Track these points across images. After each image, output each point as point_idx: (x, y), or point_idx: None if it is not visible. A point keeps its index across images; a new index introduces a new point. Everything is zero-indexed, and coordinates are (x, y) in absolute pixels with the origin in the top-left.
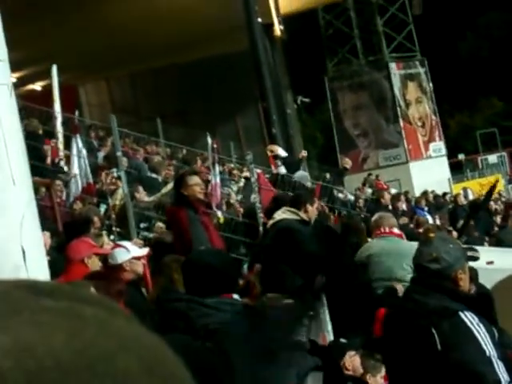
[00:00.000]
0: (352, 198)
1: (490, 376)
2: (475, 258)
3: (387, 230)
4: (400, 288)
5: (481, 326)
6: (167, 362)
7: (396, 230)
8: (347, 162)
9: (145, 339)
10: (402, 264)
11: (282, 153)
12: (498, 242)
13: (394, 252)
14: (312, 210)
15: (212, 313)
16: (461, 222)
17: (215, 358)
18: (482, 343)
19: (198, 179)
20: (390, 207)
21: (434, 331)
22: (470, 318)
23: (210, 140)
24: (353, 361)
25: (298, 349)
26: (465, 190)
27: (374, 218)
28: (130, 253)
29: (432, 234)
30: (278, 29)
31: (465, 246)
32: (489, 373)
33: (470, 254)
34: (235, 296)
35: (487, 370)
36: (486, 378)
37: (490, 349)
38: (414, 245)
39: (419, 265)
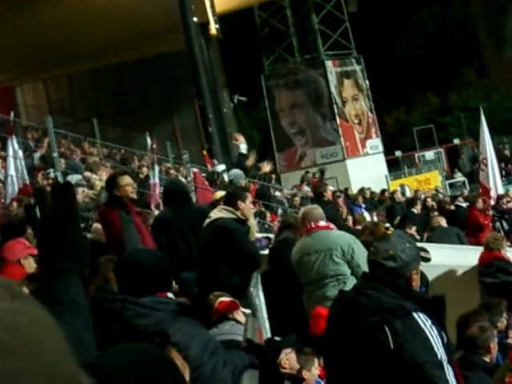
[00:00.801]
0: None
1: (440, 380)
2: (427, 259)
3: (313, 225)
4: None
5: (433, 328)
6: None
7: (322, 223)
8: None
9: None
10: (332, 258)
11: (243, 147)
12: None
13: (322, 248)
14: (245, 207)
15: (147, 312)
16: (397, 219)
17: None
18: (435, 346)
19: (130, 179)
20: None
21: (386, 329)
22: (423, 319)
23: (149, 140)
24: (289, 358)
25: (233, 347)
26: (402, 186)
27: (299, 215)
28: None
29: (390, 231)
30: (213, 28)
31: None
32: (439, 377)
33: (422, 254)
34: (170, 295)
35: (438, 374)
36: (436, 381)
37: (441, 352)
38: (342, 234)
39: (374, 261)
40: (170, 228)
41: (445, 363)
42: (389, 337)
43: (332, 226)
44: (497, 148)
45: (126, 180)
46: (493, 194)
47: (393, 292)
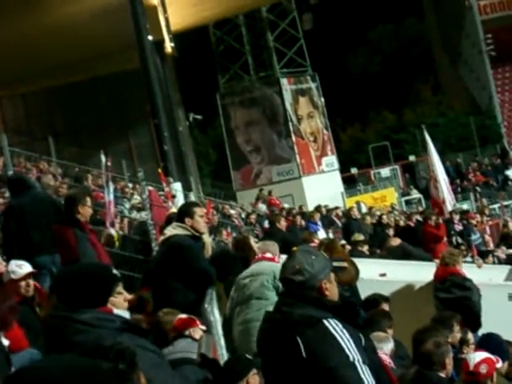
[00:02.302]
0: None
1: (353, 380)
2: (342, 268)
3: (260, 255)
4: None
5: (344, 331)
6: None
7: (268, 255)
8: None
9: None
10: (262, 282)
11: None
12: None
13: (256, 273)
14: (193, 222)
15: (86, 329)
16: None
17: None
18: (346, 348)
19: (90, 200)
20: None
21: (298, 340)
22: (333, 325)
23: (103, 158)
24: (254, 378)
25: (186, 362)
26: (358, 203)
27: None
28: (23, 270)
29: (295, 248)
30: (169, 46)
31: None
32: (352, 377)
33: (336, 264)
34: (117, 311)
35: (351, 375)
36: (349, 382)
37: (353, 353)
38: (275, 264)
39: (285, 278)
40: (22, 215)
41: (358, 363)
42: (301, 347)
43: (278, 259)
44: (454, 164)
45: (89, 201)
46: (447, 206)
47: (303, 304)
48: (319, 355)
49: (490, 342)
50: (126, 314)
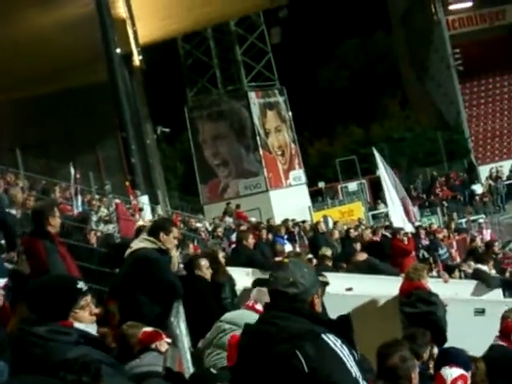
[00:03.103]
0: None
1: None
2: (326, 283)
3: (251, 303)
4: None
5: (344, 347)
6: None
7: (258, 307)
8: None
9: None
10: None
11: None
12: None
13: (239, 323)
14: (166, 239)
15: (40, 342)
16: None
17: None
18: (348, 364)
19: (58, 211)
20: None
21: (299, 354)
22: (333, 340)
23: (72, 170)
24: None
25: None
26: (325, 217)
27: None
28: None
29: (286, 260)
30: (137, 59)
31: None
32: None
33: (320, 278)
34: (79, 325)
35: None
36: None
37: (355, 370)
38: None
39: (276, 290)
40: None
41: (360, 380)
42: (302, 361)
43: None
44: (422, 179)
45: (57, 213)
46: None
47: (299, 317)
48: (321, 370)
49: (449, 357)
50: (92, 328)
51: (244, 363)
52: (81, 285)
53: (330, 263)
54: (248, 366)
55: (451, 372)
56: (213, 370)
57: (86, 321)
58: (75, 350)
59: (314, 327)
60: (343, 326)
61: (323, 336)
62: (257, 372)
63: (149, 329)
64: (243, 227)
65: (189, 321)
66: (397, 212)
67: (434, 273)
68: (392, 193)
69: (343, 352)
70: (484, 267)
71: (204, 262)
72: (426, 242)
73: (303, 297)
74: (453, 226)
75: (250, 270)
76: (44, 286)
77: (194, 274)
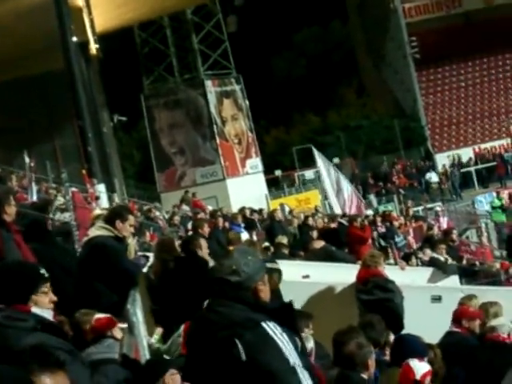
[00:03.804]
0: None
1: None
2: (278, 270)
3: None
4: None
5: (284, 335)
6: None
7: None
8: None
9: None
10: None
11: None
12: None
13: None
14: (122, 227)
15: None
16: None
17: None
18: (286, 352)
19: (13, 199)
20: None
21: (237, 342)
22: (272, 328)
23: (27, 159)
24: (174, 378)
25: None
26: (282, 205)
27: None
28: None
29: (232, 248)
30: (93, 47)
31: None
32: (292, 381)
33: (269, 265)
34: (36, 310)
35: (291, 379)
36: None
37: (293, 357)
38: None
39: (219, 278)
40: None
41: (298, 368)
42: (240, 349)
43: None
44: (381, 167)
45: (13, 201)
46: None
47: (241, 305)
48: (259, 359)
49: (404, 345)
50: (48, 314)
51: (190, 350)
52: (43, 271)
53: (286, 251)
54: (194, 353)
55: (420, 366)
56: (166, 357)
57: (44, 306)
58: (32, 337)
59: (255, 315)
60: (285, 314)
61: (263, 324)
62: (201, 359)
63: (101, 315)
64: (200, 215)
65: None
66: (335, 202)
67: (391, 260)
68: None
69: (282, 340)
70: (437, 255)
71: (203, 243)
72: (382, 229)
73: (246, 284)
74: (410, 213)
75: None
76: (7, 269)
77: (193, 253)
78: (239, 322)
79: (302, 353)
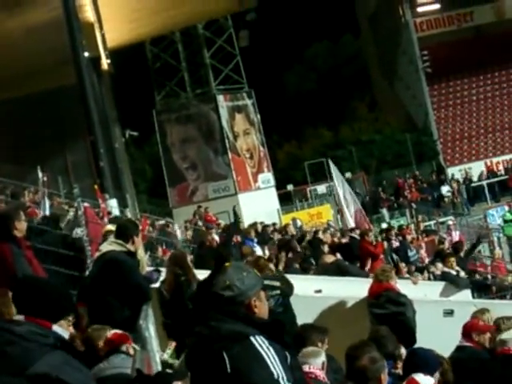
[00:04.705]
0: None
1: None
2: (273, 287)
3: None
4: None
5: (270, 349)
6: None
7: None
8: None
9: None
10: None
11: None
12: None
13: None
14: (137, 241)
15: (16, 340)
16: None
17: None
18: (271, 366)
19: (23, 215)
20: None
21: (225, 355)
22: (259, 342)
23: (40, 174)
24: None
25: (121, 378)
26: (294, 220)
27: None
28: None
29: (227, 264)
30: (105, 62)
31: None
32: None
33: (267, 282)
34: (55, 327)
35: None
36: None
37: (278, 371)
38: None
39: (214, 293)
40: None
41: (282, 381)
42: (226, 362)
43: None
44: (390, 181)
45: (23, 216)
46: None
47: (232, 320)
48: (243, 371)
49: (416, 358)
50: (66, 334)
51: (189, 364)
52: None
53: (297, 266)
54: (191, 367)
55: (425, 380)
56: (168, 371)
57: (65, 328)
58: (51, 355)
59: (245, 329)
60: (275, 329)
61: (251, 338)
62: (196, 372)
63: (117, 331)
64: (213, 230)
65: None
66: (350, 215)
67: (406, 275)
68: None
69: (268, 353)
70: (448, 269)
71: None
72: (396, 243)
73: (239, 299)
74: (421, 227)
75: None
76: (53, 285)
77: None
78: (228, 336)
79: (293, 368)
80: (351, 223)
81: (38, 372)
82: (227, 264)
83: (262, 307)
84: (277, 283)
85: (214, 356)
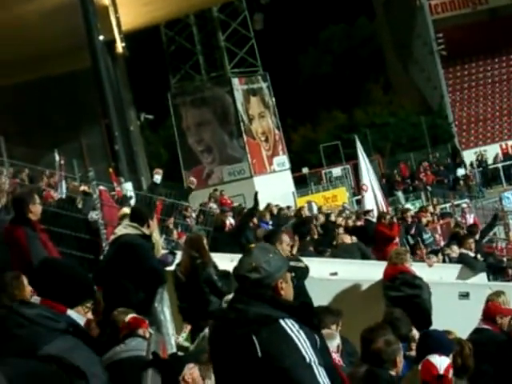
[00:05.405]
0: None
1: (308, 381)
2: (300, 268)
3: None
4: None
5: (301, 332)
6: None
7: None
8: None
9: None
10: None
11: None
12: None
13: None
14: (153, 224)
15: (25, 323)
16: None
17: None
18: (302, 349)
19: (38, 199)
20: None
21: (254, 339)
22: (290, 325)
23: (57, 157)
24: (192, 373)
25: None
26: (309, 203)
27: None
28: None
29: (252, 245)
30: (120, 46)
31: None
32: (308, 378)
33: (293, 263)
34: (69, 312)
35: (306, 376)
36: (304, 383)
37: (310, 355)
38: None
39: (240, 275)
40: None
41: (314, 365)
42: (256, 346)
43: None
44: (404, 164)
45: (37, 200)
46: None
47: (259, 302)
48: (275, 355)
49: (430, 340)
50: (81, 320)
51: (212, 347)
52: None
53: (312, 248)
54: (214, 350)
55: (441, 360)
56: (179, 353)
57: (81, 314)
58: (61, 339)
59: (274, 312)
60: (304, 312)
61: (280, 321)
62: (221, 356)
63: (135, 315)
64: (228, 213)
65: None
66: (371, 198)
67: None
68: (370, 179)
69: (299, 337)
70: (467, 251)
71: (285, 238)
72: (413, 230)
73: (266, 282)
74: (437, 210)
75: (234, 255)
76: (72, 267)
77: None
78: (256, 319)
79: (322, 351)
80: (381, 202)
81: (50, 353)
82: (252, 245)
83: (288, 289)
84: (302, 264)
85: (243, 340)
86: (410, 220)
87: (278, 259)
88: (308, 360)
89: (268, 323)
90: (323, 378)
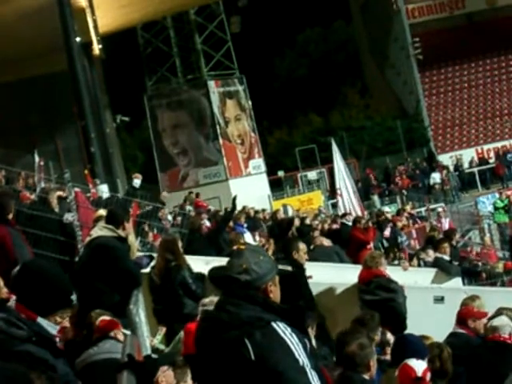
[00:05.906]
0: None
1: None
2: (286, 272)
3: None
4: None
5: (293, 335)
6: None
7: None
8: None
9: None
10: None
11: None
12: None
13: None
14: (129, 227)
15: None
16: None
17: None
18: (296, 353)
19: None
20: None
21: (246, 341)
22: (282, 328)
23: (37, 158)
24: (166, 375)
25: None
26: (284, 206)
27: None
28: None
29: (243, 246)
30: (96, 48)
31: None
32: (302, 381)
33: (281, 267)
34: (39, 319)
35: (300, 379)
36: None
37: (303, 358)
38: None
39: (230, 276)
40: None
41: (307, 368)
42: (249, 349)
43: None
44: (384, 168)
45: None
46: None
47: (251, 305)
48: (268, 358)
49: (406, 344)
50: (53, 329)
51: (199, 350)
52: (74, 297)
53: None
54: (203, 353)
55: (418, 363)
56: (153, 356)
57: (53, 322)
58: (22, 347)
59: (265, 315)
60: (295, 315)
61: (273, 324)
62: (210, 359)
63: (106, 317)
64: (203, 216)
65: None
66: (346, 202)
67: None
68: (345, 182)
69: (292, 340)
70: (442, 255)
71: (302, 246)
72: (388, 231)
73: (256, 284)
74: (412, 214)
75: (209, 258)
76: (55, 277)
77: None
78: (249, 322)
79: (311, 354)
80: (355, 205)
81: None
82: (242, 247)
83: (276, 292)
84: (289, 268)
85: (234, 342)
86: (385, 222)
87: (267, 262)
88: (301, 363)
89: (261, 326)
90: (316, 381)
